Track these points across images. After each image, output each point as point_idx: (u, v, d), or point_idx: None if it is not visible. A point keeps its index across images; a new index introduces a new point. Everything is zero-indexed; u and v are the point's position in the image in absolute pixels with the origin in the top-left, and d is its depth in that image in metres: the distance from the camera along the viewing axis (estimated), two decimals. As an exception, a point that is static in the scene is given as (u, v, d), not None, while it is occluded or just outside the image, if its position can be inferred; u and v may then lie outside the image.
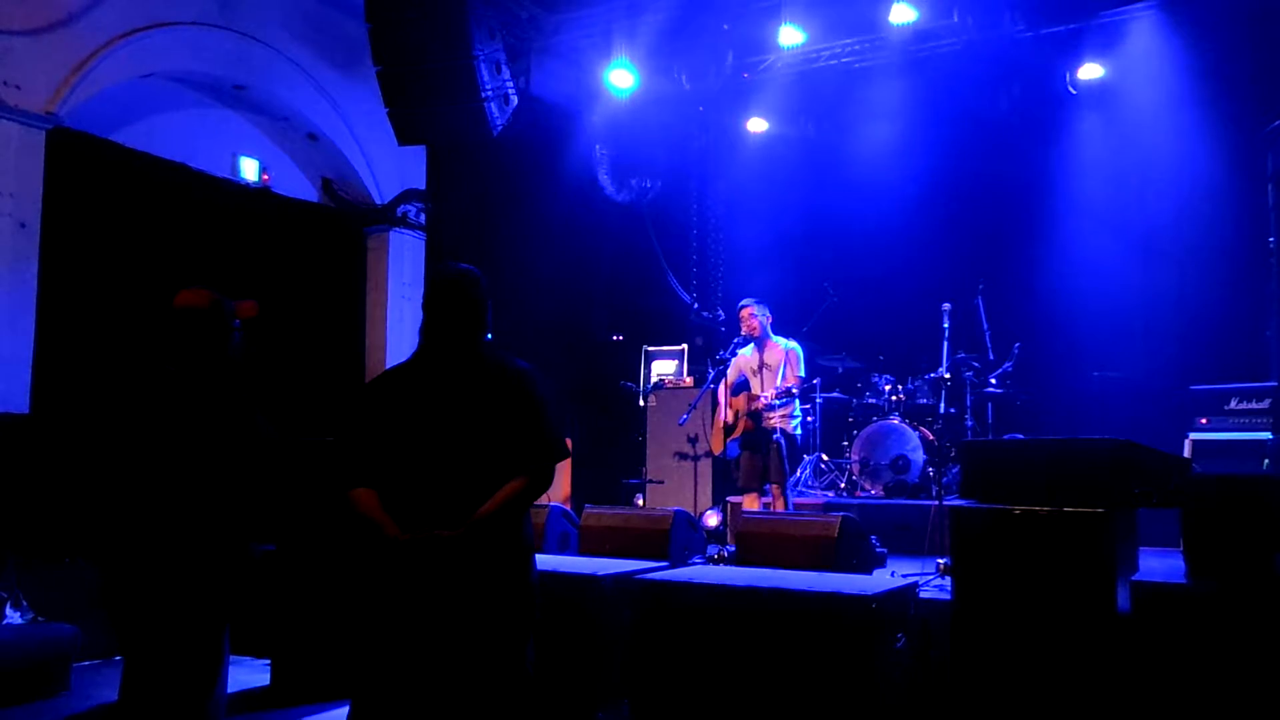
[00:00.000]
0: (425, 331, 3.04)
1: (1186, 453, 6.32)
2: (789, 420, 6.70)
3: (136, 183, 7.20)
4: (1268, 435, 6.00)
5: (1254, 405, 6.23)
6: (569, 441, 8.73)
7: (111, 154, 7.09)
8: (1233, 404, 6.30)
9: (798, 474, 7.63)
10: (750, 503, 6.70)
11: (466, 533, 2.80)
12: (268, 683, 5.30)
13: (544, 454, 2.95)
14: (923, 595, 4.37)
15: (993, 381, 7.90)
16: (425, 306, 3.02)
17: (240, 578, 3.10)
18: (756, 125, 9.75)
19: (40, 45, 6.52)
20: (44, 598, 5.65)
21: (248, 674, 5.47)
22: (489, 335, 3.08)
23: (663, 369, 9.61)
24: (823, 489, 8.12)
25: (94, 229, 6.92)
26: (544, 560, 5.12)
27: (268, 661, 5.39)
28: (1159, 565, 4.18)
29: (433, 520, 2.82)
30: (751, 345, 6.89)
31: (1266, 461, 5.91)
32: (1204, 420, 6.41)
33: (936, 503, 6.12)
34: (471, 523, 2.81)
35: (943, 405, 7.03)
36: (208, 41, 7.54)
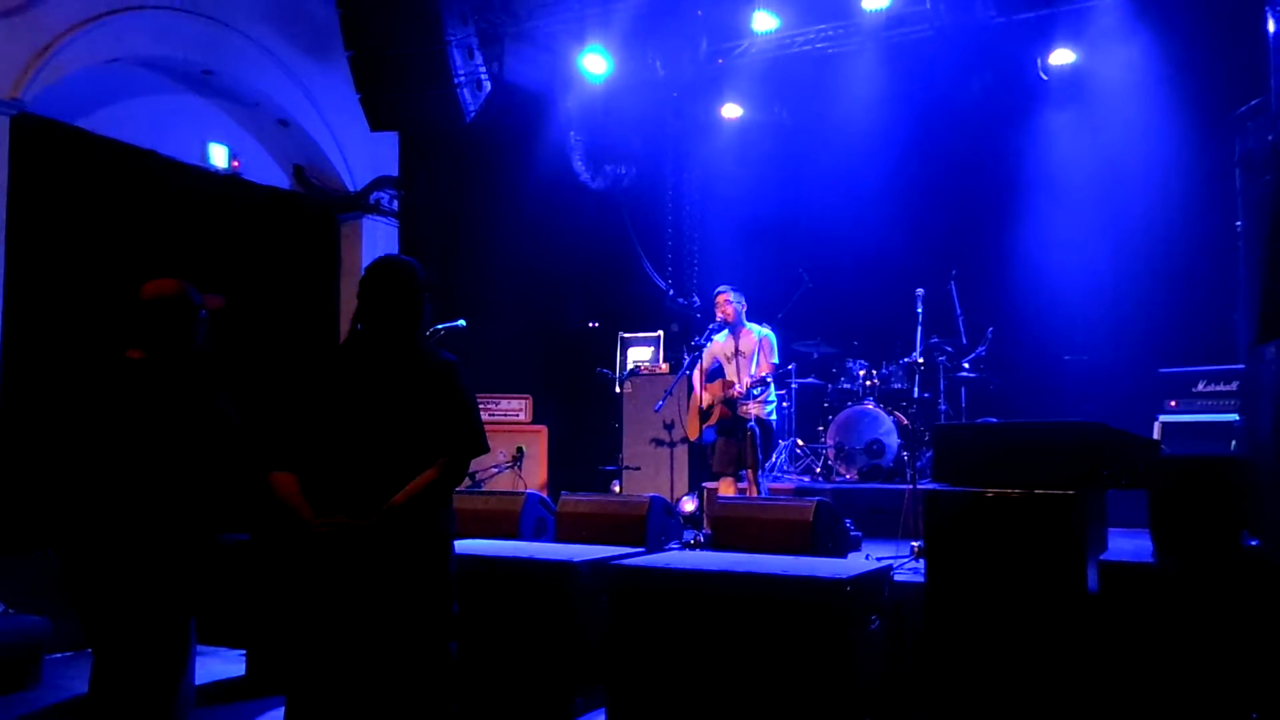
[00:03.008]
0: (357, 319, 3.04)
1: (1156, 435, 6.40)
2: (764, 406, 6.74)
3: (104, 170, 7.09)
4: (1234, 417, 6.08)
5: (1221, 387, 6.31)
6: (541, 428, 8.65)
7: (78, 140, 6.98)
8: (1200, 386, 6.39)
9: (773, 459, 7.67)
10: (726, 488, 6.73)
11: (377, 522, 2.80)
12: (243, 673, 5.27)
13: (461, 446, 2.95)
14: (897, 578, 4.41)
15: (966, 366, 7.96)
16: (360, 295, 3.02)
17: (205, 568, 3.08)
18: (731, 111, 9.74)
19: (3, 29, 6.40)
20: (14, 590, 5.60)
21: (222, 664, 5.44)
22: (436, 326, 3.09)
23: (638, 356, 9.62)
24: (798, 474, 8.16)
25: (61, 217, 6.81)
26: (521, 547, 5.15)
27: (242, 652, 5.36)
28: (1128, 545, 4.23)
29: (348, 508, 2.82)
30: (726, 331, 6.92)
31: (1234, 443, 5.99)
32: (1173, 403, 6.48)
33: (911, 486, 6.16)
34: (382, 512, 2.81)
35: (916, 390, 7.07)
36: (175, 26, 7.43)
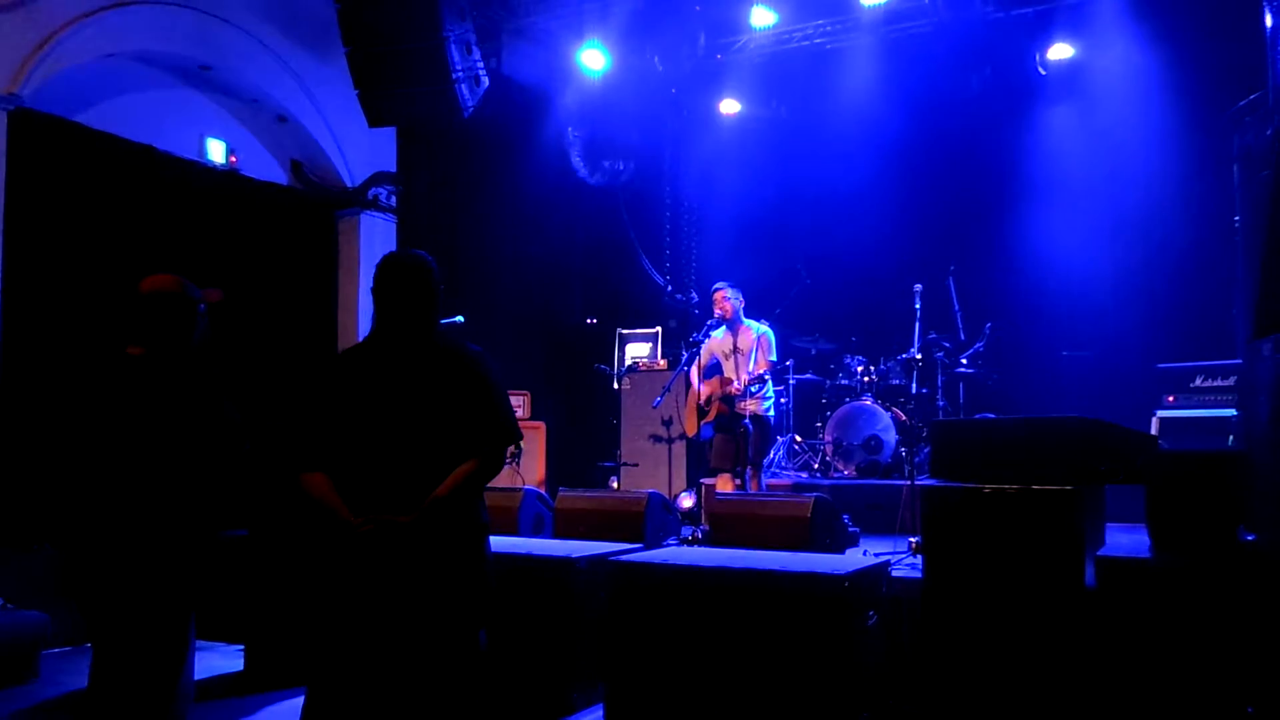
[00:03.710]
0: (377, 317, 3.03)
1: (1154, 430, 6.41)
2: (762, 403, 6.74)
3: (102, 165, 7.08)
4: (1232, 412, 6.09)
5: (1219, 383, 6.32)
6: (539, 425, 8.62)
7: (76, 135, 6.96)
8: (1198, 382, 6.39)
9: (771, 455, 7.67)
10: (724, 484, 6.73)
11: (420, 517, 2.80)
12: (241, 668, 5.28)
13: (496, 436, 2.95)
14: (895, 574, 4.41)
15: (964, 361, 7.97)
16: (376, 292, 3.01)
17: (205, 563, 3.09)
18: (729, 107, 9.74)
19: (1, 24, 6.39)
20: (13, 584, 5.60)
21: (221, 659, 5.45)
22: (441, 320, 3.08)
23: (637, 352, 9.62)
24: (796, 470, 8.17)
25: (59, 212, 6.81)
26: (519, 543, 5.14)
27: (241, 647, 5.37)
28: (1125, 540, 4.24)
29: (386, 505, 2.82)
30: (724, 328, 6.92)
31: (1231, 438, 6.00)
32: (1170, 398, 6.49)
33: (909, 482, 6.17)
34: (425, 507, 2.81)
35: (914, 386, 7.08)
36: (173, 20, 7.41)
